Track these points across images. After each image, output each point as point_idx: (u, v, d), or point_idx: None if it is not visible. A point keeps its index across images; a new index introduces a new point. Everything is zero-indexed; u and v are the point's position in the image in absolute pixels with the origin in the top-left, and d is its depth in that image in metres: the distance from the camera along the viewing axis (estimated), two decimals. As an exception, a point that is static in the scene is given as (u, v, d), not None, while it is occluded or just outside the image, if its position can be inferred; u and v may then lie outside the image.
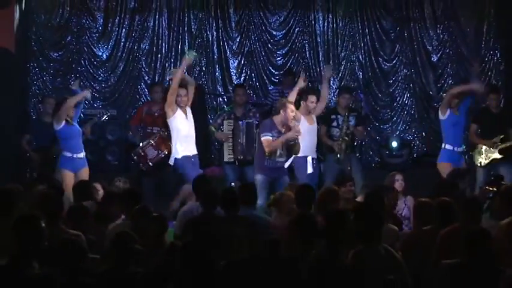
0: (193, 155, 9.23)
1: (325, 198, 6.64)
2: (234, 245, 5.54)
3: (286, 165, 8.94)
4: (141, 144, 9.71)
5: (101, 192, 7.84)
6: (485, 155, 9.41)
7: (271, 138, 8.73)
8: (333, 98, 12.15)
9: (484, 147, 9.41)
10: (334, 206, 6.42)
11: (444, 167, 8.94)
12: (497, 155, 9.35)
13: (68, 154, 9.09)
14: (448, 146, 9.13)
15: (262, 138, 8.78)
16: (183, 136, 9.17)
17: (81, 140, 9.28)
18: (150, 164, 9.59)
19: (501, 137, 9.33)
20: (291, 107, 8.77)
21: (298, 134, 8.71)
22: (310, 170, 9.04)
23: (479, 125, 9.58)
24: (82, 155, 9.21)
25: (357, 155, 10.69)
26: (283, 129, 8.79)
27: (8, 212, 5.85)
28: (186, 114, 9.22)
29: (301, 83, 9.33)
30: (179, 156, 9.14)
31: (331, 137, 9.81)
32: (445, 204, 6.00)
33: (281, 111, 8.80)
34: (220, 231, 5.68)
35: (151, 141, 9.59)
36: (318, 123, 9.48)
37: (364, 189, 7.77)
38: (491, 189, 7.33)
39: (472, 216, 5.70)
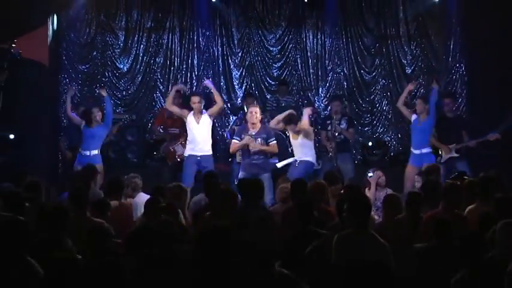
0: (200, 156, 9.02)
1: (314, 191, 6.69)
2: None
3: (280, 165, 8.96)
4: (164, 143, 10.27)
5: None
6: (444, 154, 9.46)
7: (237, 141, 8.84)
8: (321, 105, 12.24)
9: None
10: (322, 198, 6.52)
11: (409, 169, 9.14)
12: (454, 154, 9.39)
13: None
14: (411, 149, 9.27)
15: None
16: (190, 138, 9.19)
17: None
18: (178, 159, 9.91)
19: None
20: (252, 109, 8.86)
21: (249, 142, 8.71)
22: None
23: (436, 129, 9.54)
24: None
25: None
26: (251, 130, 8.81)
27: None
28: (198, 119, 9.07)
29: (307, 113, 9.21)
30: (186, 154, 9.20)
31: (328, 139, 9.97)
32: (413, 196, 6.07)
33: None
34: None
35: (182, 140, 9.86)
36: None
37: (347, 183, 7.79)
38: (456, 183, 7.34)
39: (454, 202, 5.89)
